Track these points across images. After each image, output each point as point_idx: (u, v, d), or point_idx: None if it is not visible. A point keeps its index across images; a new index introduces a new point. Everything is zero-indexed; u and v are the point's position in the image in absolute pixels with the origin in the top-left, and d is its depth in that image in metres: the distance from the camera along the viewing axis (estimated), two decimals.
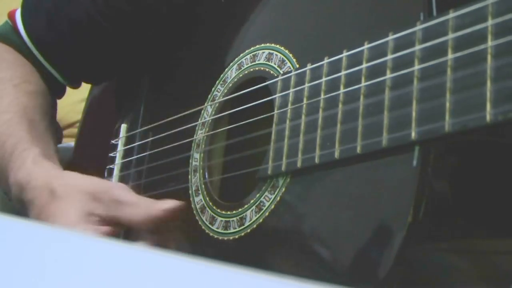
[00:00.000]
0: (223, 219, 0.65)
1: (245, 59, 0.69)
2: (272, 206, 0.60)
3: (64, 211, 0.67)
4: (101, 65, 0.88)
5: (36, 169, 0.73)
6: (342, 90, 0.54)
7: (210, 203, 0.68)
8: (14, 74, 0.83)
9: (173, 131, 0.76)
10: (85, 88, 0.94)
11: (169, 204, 0.62)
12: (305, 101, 0.58)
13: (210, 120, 0.72)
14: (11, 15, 0.86)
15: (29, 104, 0.80)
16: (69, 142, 1.11)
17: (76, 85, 0.91)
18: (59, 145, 0.94)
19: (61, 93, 0.91)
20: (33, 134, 0.77)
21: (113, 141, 0.87)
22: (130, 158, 0.83)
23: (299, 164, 0.57)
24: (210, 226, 0.66)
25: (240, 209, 0.63)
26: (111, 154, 0.86)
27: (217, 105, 0.71)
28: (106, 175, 0.85)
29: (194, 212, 0.69)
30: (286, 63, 0.63)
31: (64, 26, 0.83)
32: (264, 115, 0.63)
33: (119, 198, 0.65)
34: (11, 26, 0.86)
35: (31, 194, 0.71)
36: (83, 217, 0.66)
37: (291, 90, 0.60)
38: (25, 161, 0.73)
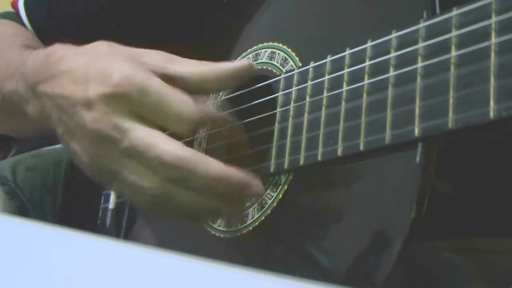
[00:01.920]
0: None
1: (247, 58, 0.69)
2: (274, 204, 0.60)
3: (110, 61, 0.58)
4: None
5: (51, 48, 0.64)
6: (345, 88, 0.55)
7: None
8: (19, 32, 0.82)
9: None
10: None
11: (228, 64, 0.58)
12: (307, 99, 0.58)
13: None
14: (14, 4, 0.86)
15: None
16: None
17: None
18: (59, 145, 0.94)
19: None
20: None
21: None
22: None
23: (301, 162, 0.57)
24: (212, 224, 0.67)
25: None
26: None
27: (218, 103, 0.72)
28: None
29: None
30: (289, 61, 0.63)
31: (65, 21, 0.83)
32: (266, 113, 0.63)
33: (169, 56, 0.59)
34: (13, 13, 0.86)
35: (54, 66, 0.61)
36: (135, 63, 0.58)
37: (294, 88, 0.60)
38: (33, 52, 0.67)
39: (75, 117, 0.58)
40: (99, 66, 0.58)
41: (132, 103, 0.55)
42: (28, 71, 0.64)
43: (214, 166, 0.54)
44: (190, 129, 0.55)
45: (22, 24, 0.85)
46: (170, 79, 0.58)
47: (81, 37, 0.83)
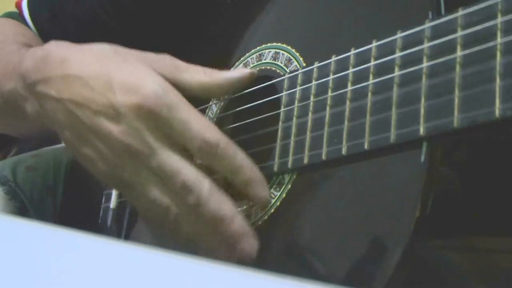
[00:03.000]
0: None
1: (250, 59, 0.70)
2: (278, 203, 0.60)
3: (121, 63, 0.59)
4: None
5: (48, 46, 0.64)
6: (349, 87, 0.55)
7: None
8: (22, 31, 0.82)
9: None
10: None
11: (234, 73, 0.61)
12: (312, 98, 0.59)
13: (214, 119, 0.72)
14: (18, 4, 0.87)
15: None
16: None
17: None
18: (59, 145, 0.94)
19: None
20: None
21: None
22: None
23: (305, 161, 0.57)
24: None
25: (245, 206, 0.63)
26: None
27: (222, 103, 0.72)
28: None
29: None
30: (293, 62, 0.63)
31: (68, 23, 0.83)
32: (270, 113, 0.63)
33: (176, 63, 0.61)
34: (17, 13, 0.87)
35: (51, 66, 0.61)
36: (158, 76, 0.58)
37: (298, 88, 0.60)
38: (30, 50, 0.66)
39: (95, 126, 0.57)
40: (123, 75, 0.58)
41: (161, 119, 0.56)
42: (25, 69, 0.64)
43: (224, 206, 0.57)
44: (209, 154, 0.57)
45: (26, 24, 0.85)
46: (176, 86, 0.59)
47: (82, 38, 0.83)
